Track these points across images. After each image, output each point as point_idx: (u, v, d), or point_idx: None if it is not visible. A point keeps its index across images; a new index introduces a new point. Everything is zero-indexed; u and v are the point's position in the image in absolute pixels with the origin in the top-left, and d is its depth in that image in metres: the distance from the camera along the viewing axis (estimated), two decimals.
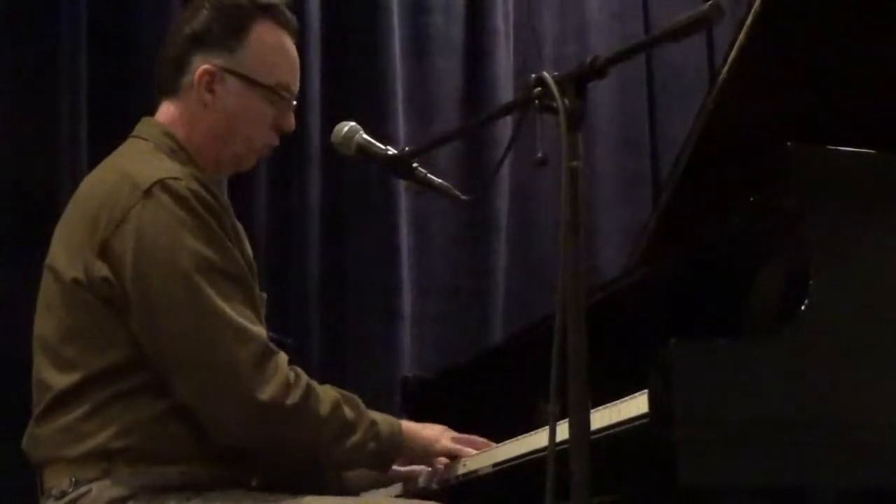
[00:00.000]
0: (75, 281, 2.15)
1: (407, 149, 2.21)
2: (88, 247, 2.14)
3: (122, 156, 2.31)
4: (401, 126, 3.91)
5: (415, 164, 2.18)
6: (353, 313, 3.83)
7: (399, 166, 2.18)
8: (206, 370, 2.11)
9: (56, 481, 2.16)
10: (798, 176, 2.07)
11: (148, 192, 2.13)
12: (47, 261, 2.26)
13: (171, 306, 2.10)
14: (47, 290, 2.24)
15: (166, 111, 2.31)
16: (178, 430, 2.14)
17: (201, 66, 2.26)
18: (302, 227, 3.78)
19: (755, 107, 2.45)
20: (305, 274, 3.78)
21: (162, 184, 2.13)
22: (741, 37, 2.39)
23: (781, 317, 1.98)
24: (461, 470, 2.35)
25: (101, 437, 2.12)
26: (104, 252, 2.13)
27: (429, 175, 2.19)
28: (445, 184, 2.19)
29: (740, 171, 2.24)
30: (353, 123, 2.23)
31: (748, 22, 2.38)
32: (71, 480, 2.12)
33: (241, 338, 2.11)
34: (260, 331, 2.15)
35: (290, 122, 2.34)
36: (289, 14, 2.34)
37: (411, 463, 2.41)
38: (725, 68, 2.42)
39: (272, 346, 2.16)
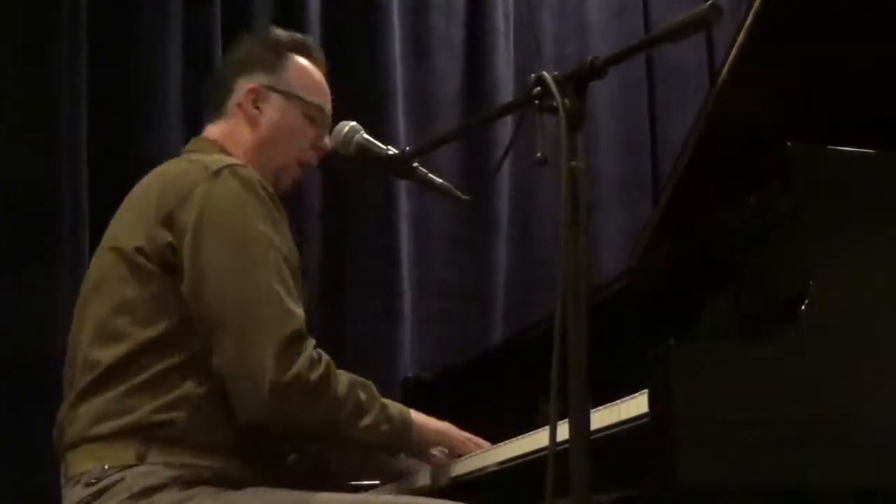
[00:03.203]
0: (138, 249, 2.22)
1: (407, 149, 2.21)
2: (153, 217, 2.23)
3: (179, 158, 2.42)
4: (401, 126, 3.90)
5: (415, 164, 2.19)
6: (352, 313, 3.83)
7: (399, 166, 2.19)
8: (244, 335, 2.14)
9: (86, 465, 2.16)
10: (798, 176, 2.07)
11: (217, 173, 2.23)
12: (103, 244, 2.33)
13: (225, 269, 2.18)
14: (103, 270, 2.29)
15: (213, 130, 2.47)
16: (216, 416, 2.17)
17: (246, 85, 2.43)
18: (302, 227, 3.78)
19: (755, 107, 2.45)
20: (305, 274, 3.77)
21: (231, 168, 2.24)
22: (741, 37, 2.39)
23: (781, 317, 1.98)
24: (459, 470, 2.36)
25: (140, 412, 2.15)
26: (168, 222, 2.21)
27: (429, 175, 2.20)
28: (446, 184, 2.20)
29: (740, 171, 2.24)
30: (353, 123, 2.24)
31: (748, 22, 2.38)
32: (104, 467, 2.13)
33: (283, 313, 2.16)
34: (301, 312, 2.20)
35: (326, 141, 2.46)
36: (321, 54, 2.49)
37: (419, 456, 2.44)
38: (725, 68, 2.42)
39: (306, 329, 2.20)
